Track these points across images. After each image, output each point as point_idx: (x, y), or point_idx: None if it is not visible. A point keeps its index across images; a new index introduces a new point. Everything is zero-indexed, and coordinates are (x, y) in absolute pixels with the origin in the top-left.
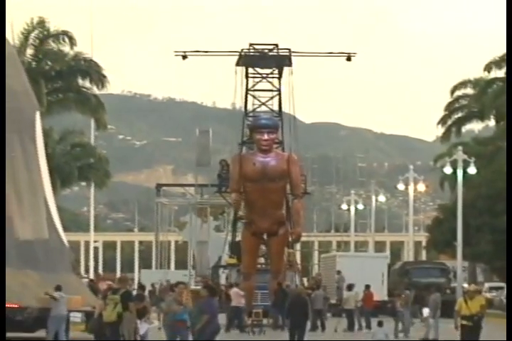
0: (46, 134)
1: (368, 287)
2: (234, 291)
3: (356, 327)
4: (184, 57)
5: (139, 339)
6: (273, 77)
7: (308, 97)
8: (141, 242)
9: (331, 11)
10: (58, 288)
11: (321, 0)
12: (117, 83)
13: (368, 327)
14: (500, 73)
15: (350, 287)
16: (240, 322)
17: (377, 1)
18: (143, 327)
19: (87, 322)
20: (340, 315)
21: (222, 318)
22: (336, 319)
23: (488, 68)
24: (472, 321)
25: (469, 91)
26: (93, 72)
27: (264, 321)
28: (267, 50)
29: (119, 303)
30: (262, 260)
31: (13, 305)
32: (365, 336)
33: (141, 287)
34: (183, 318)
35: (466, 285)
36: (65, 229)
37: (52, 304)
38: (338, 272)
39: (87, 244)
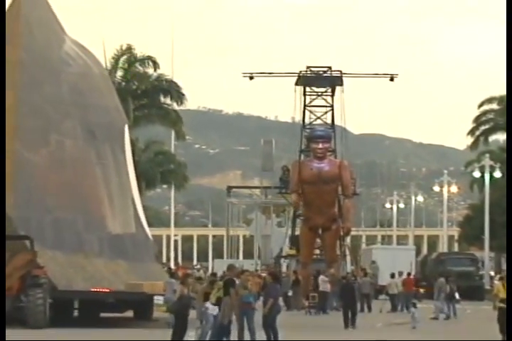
0: (133, 144)
1: (409, 274)
2: (321, 278)
3: (399, 308)
4: (251, 77)
5: (227, 321)
6: (327, 95)
7: (357, 112)
8: (214, 236)
9: (374, 35)
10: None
11: (365, 26)
12: (194, 100)
13: (407, 308)
14: None
15: (393, 275)
16: (325, 304)
17: (413, 27)
18: (215, 308)
19: (167, 304)
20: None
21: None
22: (381, 301)
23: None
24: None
25: (495, 106)
26: (173, 90)
27: None
28: (321, 72)
29: (221, 288)
30: (317, 251)
31: (105, 290)
32: (405, 316)
33: (214, 274)
34: (249, 300)
35: (492, 272)
36: (150, 224)
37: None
38: (373, 262)
39: (168, 237)
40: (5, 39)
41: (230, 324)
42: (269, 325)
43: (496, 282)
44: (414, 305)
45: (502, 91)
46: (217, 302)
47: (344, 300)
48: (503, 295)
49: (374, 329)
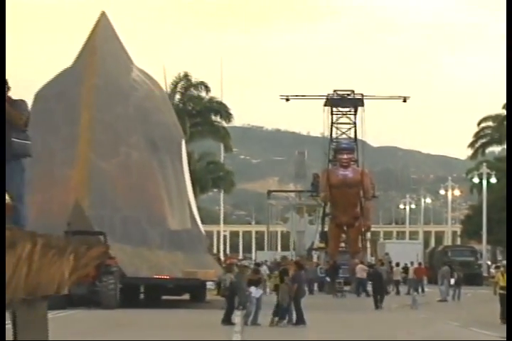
0: (189, 155)
1: (419, 264)
2: (359, 267)
3: (410, 291)
4: (287, 99)
5: (286, 304)
6: (350, 114)
7: (375, 128)
8: (256, 232)
9: (391, 61)
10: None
11: (383, 55)
12: (239, 118)
13: (416, 291)
14: None
15: (398, 264)
16: (364, 289)
17: (424, 55)
18: (258, 292)
19: (218, 288)
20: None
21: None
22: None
23: (504, 107)
24: (506, 290)
25: (490, 123)
26: (222, 110)
27: (345, 288)
28: (346, 95)
29: (277, 277)
30: (342, 244)
31: (166, 277)
32: (409, 298)
33: (257, 264)
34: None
35: (489, 262)
36: (202, 222)
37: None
38: (386, 253)
39: (218, 233)
40: (5, 40)
41: (289, 306)
42: (296, 306)
43: (492, 270)
44: (417, 290)
45: (497, 110)
46: (275, 289)
47: (373, 285)
48: (502, 283)
49: (390, 309)
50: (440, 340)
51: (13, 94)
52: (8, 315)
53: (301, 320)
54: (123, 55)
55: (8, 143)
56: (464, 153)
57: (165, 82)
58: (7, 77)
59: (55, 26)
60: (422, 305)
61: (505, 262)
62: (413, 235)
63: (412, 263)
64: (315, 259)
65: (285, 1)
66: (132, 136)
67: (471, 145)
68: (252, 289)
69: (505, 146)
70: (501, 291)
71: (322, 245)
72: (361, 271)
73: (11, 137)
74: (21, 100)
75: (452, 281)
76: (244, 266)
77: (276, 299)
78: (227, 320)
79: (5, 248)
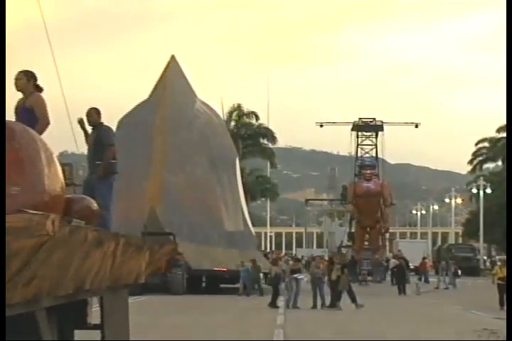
0: (242, 171)
1: (424, 258)
2: (392, 261)
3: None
4: (321, 125)
5: (347, 289)
6: (372, 137)
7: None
8: (296, 233)
9: (409, 93)
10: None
11: (400, 87)
12: (282, 140)
13: (420, 280)
14: (504, 133)
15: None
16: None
17: (431, 88)
18: (301, 276)
19: (266, 278)
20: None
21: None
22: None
23: (498, 130)
24: (504, 281)
25: (486, 144)
26: (269, 134)
27: (368, 278)
28: (369, 121)
29: (339, 269)
30: (366, 243)
31: (223, 269)
32: (414, 286)
33: (297, 259)
34: (320, 276)
35: (485, 257)
36: (253, 224)
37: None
38: (399, 250)
39: (265, 233)
40: (5, 41)
41: (351, 290)
42: (333, 293)
43: (488, 264)
44: (420, 280)
45: (491, 134)
46: (337, 279)
47: (397, 275)
48: (501, 274)
49: (408, 296)
50: (447, 320)
51: (103, 119)
52: (96, 300)
53: (335, 304)
54: (188, 90)
55: (106, 163)
56: (464, 168)
57: (222, 112)
58: (100, 106)
59: (139, 64)
60: (428, 293)
61: (499, 257)
62: (423, 235)
63: (424, 258)
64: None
65: (311, 46)
66: (196, 156)
67: (470, 162)
68: (297, 274)
69: (499, 163)
70: (499, 281)
71: (349, 243)
72: (393, 264)
73: (110, 158)
74: (110, 128)
75: (444, 273)
76: (297, 258)
77: (332, 287)
78: (273, 304)
79: (5, 247)
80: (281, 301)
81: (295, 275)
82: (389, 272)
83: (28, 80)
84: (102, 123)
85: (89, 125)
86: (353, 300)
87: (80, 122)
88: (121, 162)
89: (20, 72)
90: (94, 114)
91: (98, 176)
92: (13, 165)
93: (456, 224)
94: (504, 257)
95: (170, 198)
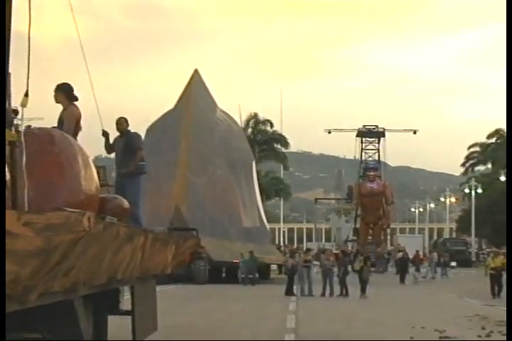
0: (258, 173)
1: (417, 251)
2: (399, 254)
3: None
4: (329, 132)
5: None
6: (375, 143)
7: (393, 152)
8: (307, 228)
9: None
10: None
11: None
12: (294, 145)
13: (417, 270)
14: (494, 139)
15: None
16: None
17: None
18: (313, 265)
19: (279, 269)
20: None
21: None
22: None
23: (488, 136)
24: (496, 271)
25: (477, 149)
26: (282, 140)
27: (372, 268)
28: (372, 128)
29: (362, 261)
30: (370, 237)
31: (237, 261)
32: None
33: (308, 249)
34: (330, 267)
35: (476, 250)
36: (267, 221)
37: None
38: (398, 244)
39: (279, 229)
40: (5, 40)
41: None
42: (342, 282)
43: (480, 256)
44: (418, 270)
45: (482, 139)
46: (360, 269)
47: (400, 267)
48: (493, 265)
49: (407, 285)
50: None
51: (131, 127)
52: (127, 288)
53: (346, 292)
54: (210, 100)
55: (134, 164)
56: (458, 170)
57: (240, 119)
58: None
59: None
60: (423, 282)
61: (489, 250)
62: (421, 231)
63: (417, 251)
64: (349, 248)
65: (320, 59)
66: (217, 159)
67: (463, 164)
68: (310, 265)
69: (489, 165)
70: (491, 271)
71: (355, 238)
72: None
73: (138, 159)
74: (138, 134)
75: (433, 264)
76: (308, 248)
77: (359, 276)
78: (289, 292)
79: (5, 246)
80: (296, 289)
81: (310, 265)
82: (391, 263)
83: (63, 93)
84: (129, 130)
85: (118, 131)
86: (363, 289)
87: (104, 133)
88: (150, 165)
89: (56, 85)
90: (123, 122)
91: (131, 172)
92: (53, 168)
93: (451, 220)
94: (495, 249)
95: (193, 197)
